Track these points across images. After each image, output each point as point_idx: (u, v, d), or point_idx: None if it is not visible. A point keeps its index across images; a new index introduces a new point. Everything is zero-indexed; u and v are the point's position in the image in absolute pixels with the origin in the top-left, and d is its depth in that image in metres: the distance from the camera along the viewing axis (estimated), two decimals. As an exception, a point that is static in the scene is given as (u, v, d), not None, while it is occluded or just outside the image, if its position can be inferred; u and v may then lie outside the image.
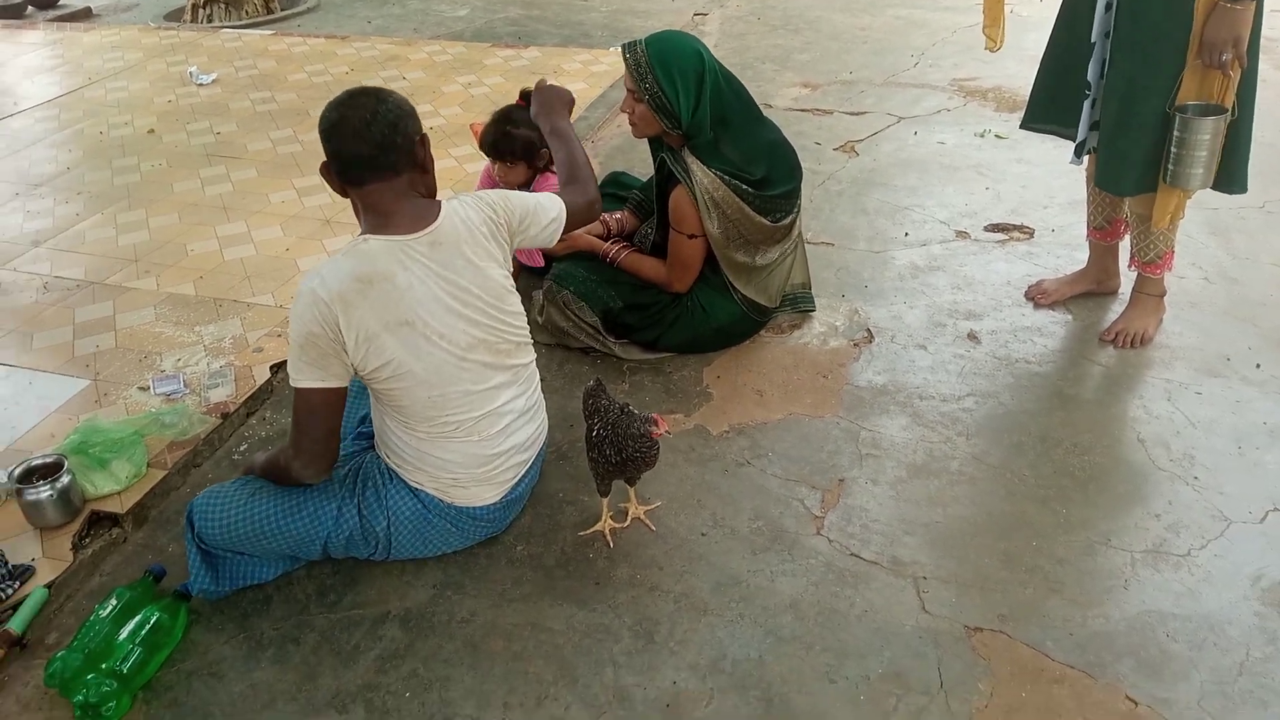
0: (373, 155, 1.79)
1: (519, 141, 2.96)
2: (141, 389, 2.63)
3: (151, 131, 4.43)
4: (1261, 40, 2.31)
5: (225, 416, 2.53)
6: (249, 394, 2.62)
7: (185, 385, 2.63)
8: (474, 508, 2.04)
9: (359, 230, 1.89)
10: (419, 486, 1.99)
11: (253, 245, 3.40)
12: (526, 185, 3.09)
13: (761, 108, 2.67)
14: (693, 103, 2.45)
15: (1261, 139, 2.44)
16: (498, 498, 2.06)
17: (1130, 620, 1.92)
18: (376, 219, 1.85)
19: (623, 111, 2.61)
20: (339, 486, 1.99)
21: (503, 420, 2.01)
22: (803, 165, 2.71)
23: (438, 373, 1.88)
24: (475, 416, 1.96)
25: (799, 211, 2.72)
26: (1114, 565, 2.04)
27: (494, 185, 3.19)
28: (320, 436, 1.87)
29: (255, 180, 3.90)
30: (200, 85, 5.00)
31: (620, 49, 2.52)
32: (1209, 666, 1.82)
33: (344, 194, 1.90)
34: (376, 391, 1.92)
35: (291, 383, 1.82)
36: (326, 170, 1.88)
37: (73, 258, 3.35)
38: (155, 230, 3.52)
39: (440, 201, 1.92)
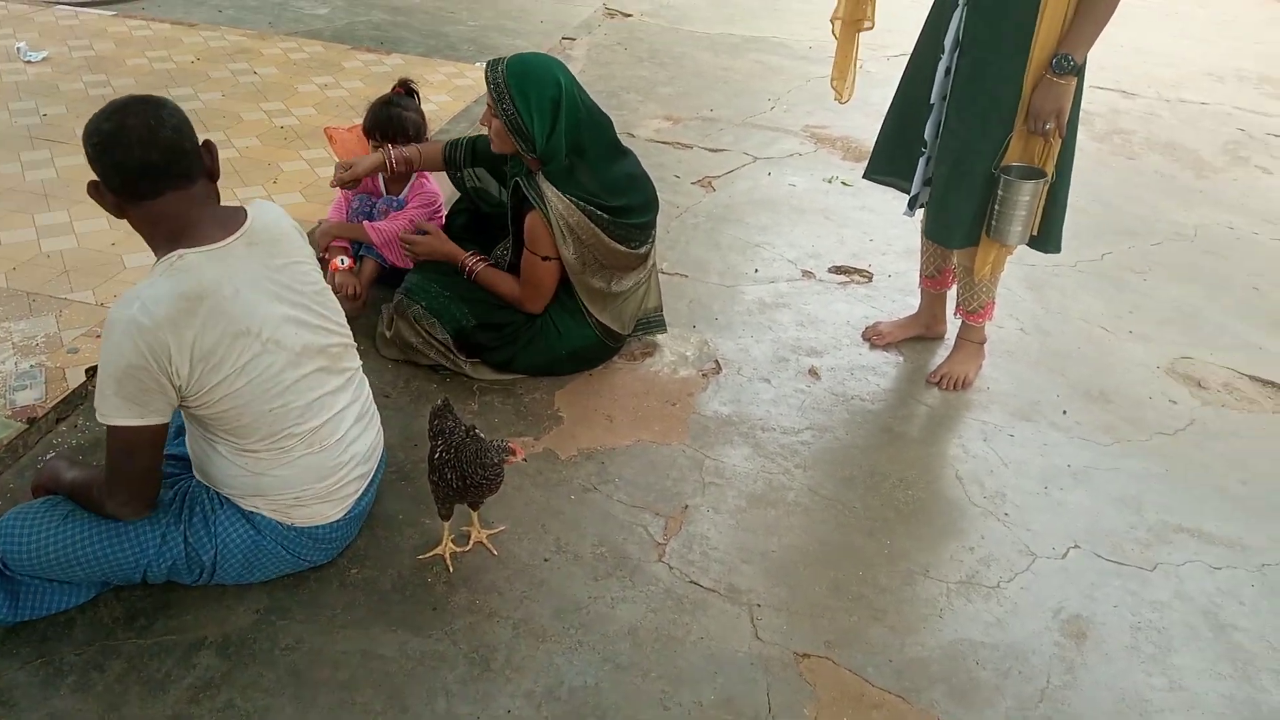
0: (166, 163, 1.65)
1: (409, 122, 2.95)
2: (-64, 388, 2.40)
3: (-34, 107, 4.07)
4: (1081, 113, 2.52)
5: (32, 421, 2.33)
6: (60, 398, 2.42)
7: (-12, 386, 2.42)
8: (315, 527, 1.95)
9: (158, 252, 1.73)
10: (254, 510, 1.89)
11: (75, 237, 3.16)
12: (408, 177, 3.03)
13: (624, 137, 2.71)
14: (547, 129, 2.46)
15: (1076, 204, 2.66)
16: (340, 514, 1.99)
17: (944, 648, 2.03)
18: (178, 233, 1.71)
19: (481, 125, 2.60)
20: (163, 512, 1.86)
21: (342, 427, 1.94)
22: (660, 198, 2.76)
23: (276, 381, 1.79)
24: (315, 426, 1.88)
25: (654, 241, 2.76)
26: (931, 595, 2.16)
27: (364, 190, 3.10)
28: (138, 475, 1.75)
29: (82, 168, 3.55)
30: (29, 62, 4.62)
31: (485, 67, 2.51)
32: (1013, 694, 1.95)
33: (122, 214, 1.71)
34: (207, 418, 1.79)
35: (102, 420, 1.68)
36: (99, 190, 1.69)
37: None
38: (-36, 215, 3.23)
39: (241, 206, 1.83)
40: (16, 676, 1.78)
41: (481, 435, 2.03)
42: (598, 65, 5.49)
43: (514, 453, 2.00)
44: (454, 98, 4.70)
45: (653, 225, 2.72)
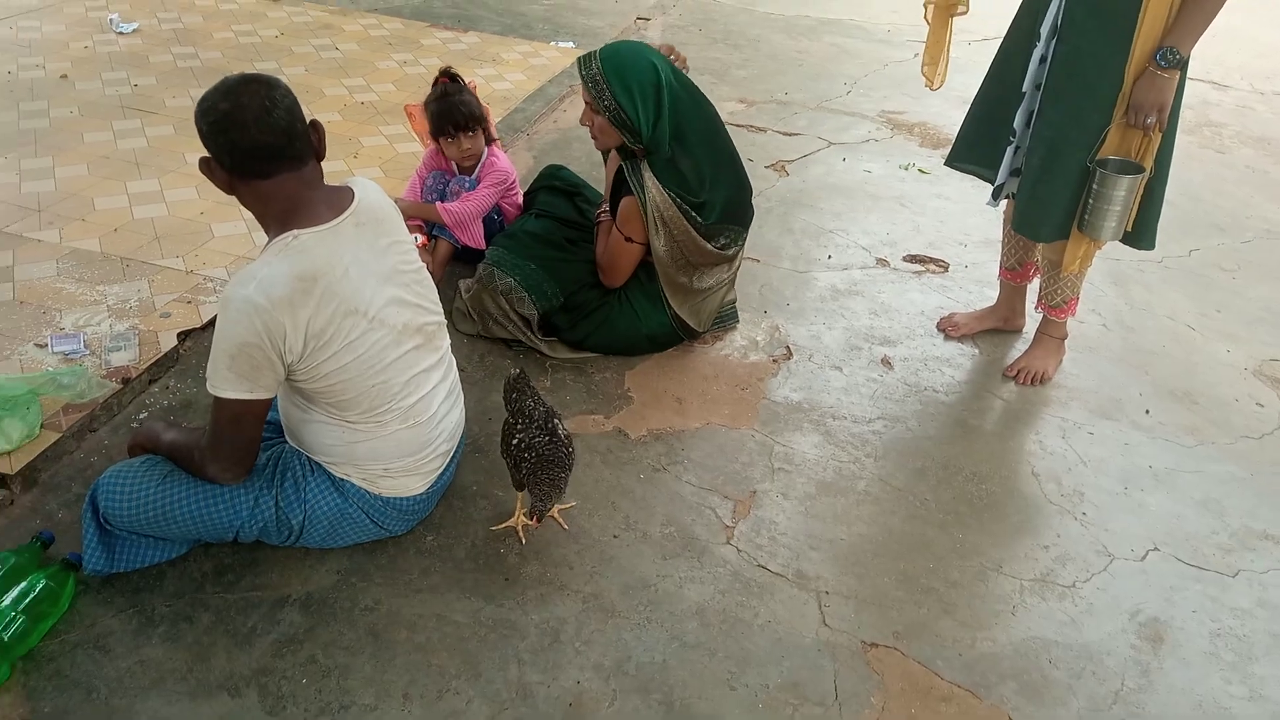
0: (281, 144, 1.68)
1: (472, 105, 2.94)
2: (39, 346, 2.50)
3: (64, 77, 4.21)
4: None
5: (126, 382, 2.42)
6: (153, 360, 2.51)
7: (86, 346, 2.51)
8: (399, 498, 2.00)
9: (269, 230, 1.77)
10: (345, 478, 1.94)
11: (165, 205, 3.26)
12: (481, 156, 3.05)
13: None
14: (653, 117, 2.45)
15: (1165, 198, 2.58)
16: (424, 488, 2.04)
17: (1016, 645, 2.01)
18: (290, 212, 1.73)
19: (582, 125, 2.59)
20: (256, 476, 1.92)
21: (434, 404, 1.99)
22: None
23: (379, 358, 1.83)
24: (412, 402, 1.93)
25: (743, 245, 2.76)
26: (1004, 591, 2.14)
27: (438, 167, 3.13)
28: (241, 444, 1.81)
29: (172, 138, 3.75)
30: (120, 34, 4.77)
31: (576, 64, 2.52)
32: (1086, 694, 1.92)
33: (233, 191, 1.74)
34: (311, 392, 1.83)
35: (213, 392, 1.73)
36: (210, 167, 1.72)
37: (-32, 201, 3.17)
38: (62, 180, 3.35)
39: (346, 185, 1.86)
40: (111, 624, 1.86)
41: (560, 431, 2.03)
42: (673, 46, 5.47)
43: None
44: (529, 76, 4.73)
45: (743, 230, 2.72)
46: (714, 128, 2.63)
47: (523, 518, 2.15)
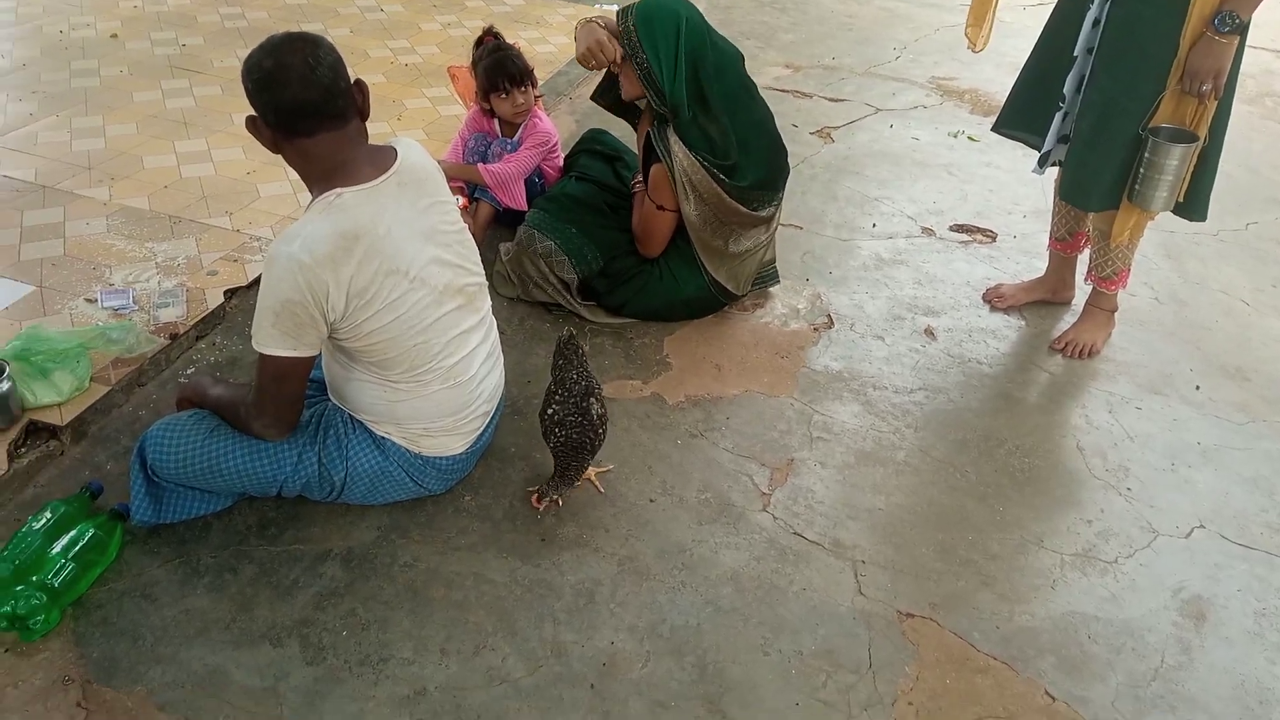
0: (323, 101, 1.67)
1: (523, 59, 2.96)
2: (89, 301, 2.55)
3: (114, 36, 4.26)
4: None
5: (174, 338, 2.47)
6: (200, 317, 2.55)
7: (135, 302, 2.56)
8: (438, 458, 2.02)
9: (313, 188, 1.78)
10: (386, 436, 1.96)
11: (212, 165, 3.30)
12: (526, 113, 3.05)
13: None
14: (673, 74, 2.43)
15: (1221, 169, 2.49)
16: (463, 448, 2.05)
17: (1055, 619, 1.99)
18: (332, 171, 1.74)
19: (615, 69, 2.58)
20: (300, 432, 1.95)
21: (474, 365, 2.00)
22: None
23: (420, 318, 1.84)
24: (453, 363, 1.94)
25: (779, 206, 2.73)
26: (1044, 565, 2.11)
27: (480, 129, 3.12)
28: (285, 401, 1.83)
29: (219, 98, 3.78)
30: (168, -7, 4.81)
31: (616, 14, 2.50)
32: (1125, 670, 1.90)
33: (278, 150, 1.75)
34: (354, 350, 1.85)
35: (258, 349, 1.74)
36: (256, 125, 1.73)
37: (23, 158, 3.22)
38: (111, 139, 3.40)
39: (389, 145, 1.85)
40: (157, 574, 1.91)
41: (594, 411, 2.02)
42: (719, 9, 5.39)
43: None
44: (573, 39, 4.68)
45: (777, 192, 2.68)
46: (738, 87, 2.58)
47: (535, 495, 2.12)
